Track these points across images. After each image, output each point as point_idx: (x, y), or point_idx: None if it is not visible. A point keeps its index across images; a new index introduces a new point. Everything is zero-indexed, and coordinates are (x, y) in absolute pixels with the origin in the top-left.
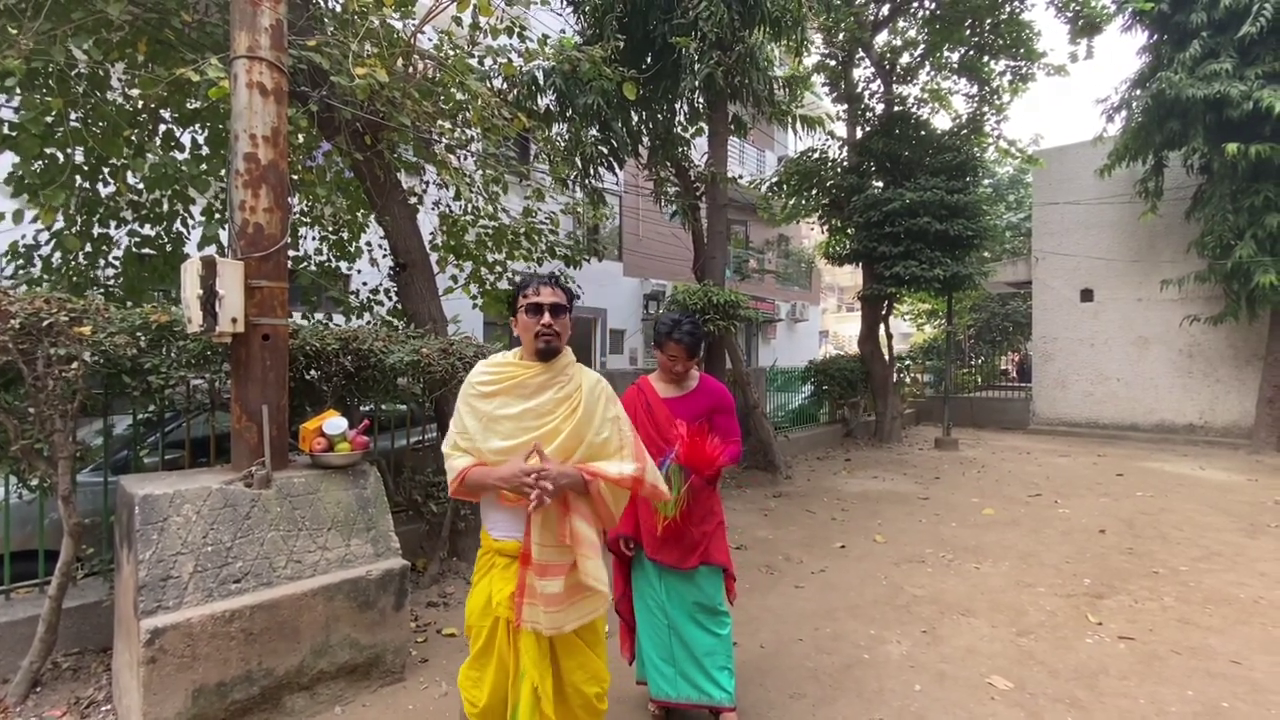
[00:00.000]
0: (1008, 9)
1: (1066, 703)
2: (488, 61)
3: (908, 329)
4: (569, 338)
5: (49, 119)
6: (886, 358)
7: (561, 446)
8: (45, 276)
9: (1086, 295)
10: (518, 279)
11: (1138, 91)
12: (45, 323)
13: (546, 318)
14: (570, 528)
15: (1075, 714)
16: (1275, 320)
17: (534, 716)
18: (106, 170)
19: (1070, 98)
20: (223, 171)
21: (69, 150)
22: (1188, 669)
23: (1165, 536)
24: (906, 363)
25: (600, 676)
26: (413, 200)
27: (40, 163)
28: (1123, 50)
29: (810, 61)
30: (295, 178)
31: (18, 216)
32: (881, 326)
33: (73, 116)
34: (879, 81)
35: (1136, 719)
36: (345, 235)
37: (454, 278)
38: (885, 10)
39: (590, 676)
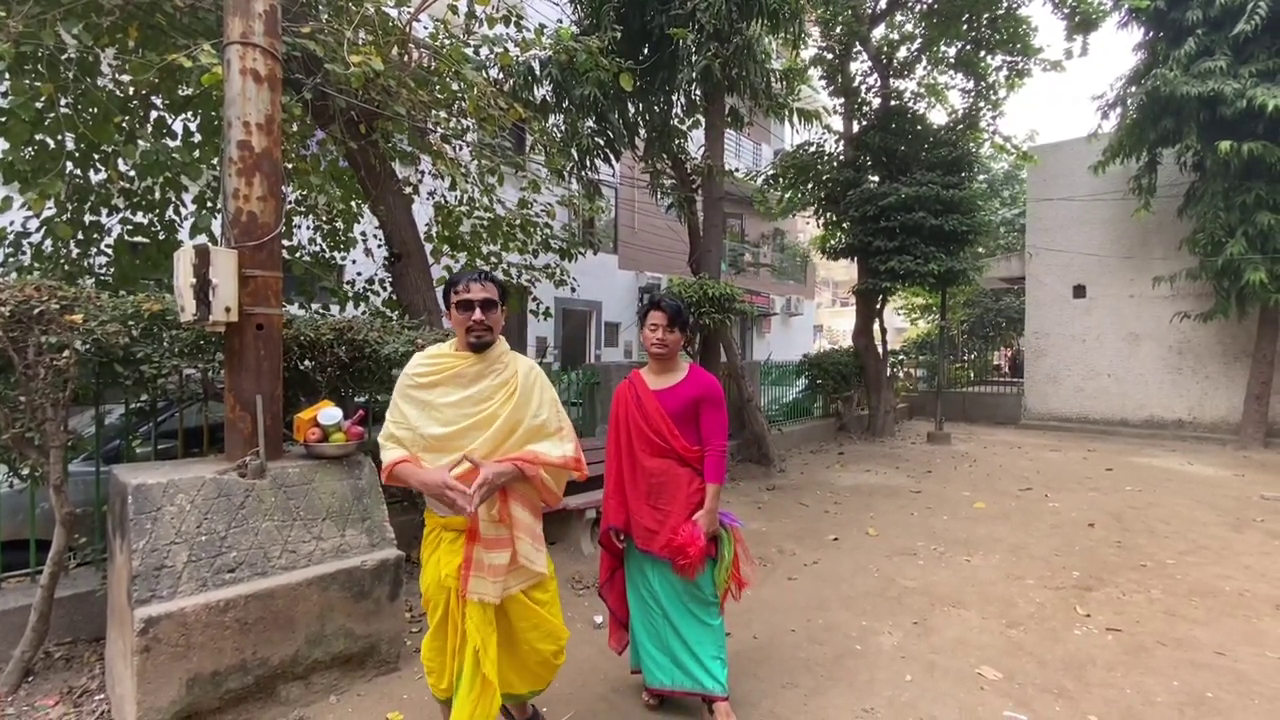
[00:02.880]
0: (1005, 4)
1: (1055, 693)
2: (484, 51)
3: (902, 324)
4: (502, 327)
5: (39, 105)
6: (880, 352)
7: (500, 430)
8: (36, 265)
9: (1079, 291)
10: (513, 270)
11: (1133, 88)
12: (36, 310)
13: (477, 314)
14: (508, 512)
15: (1063, 704)
16: (1264, 318)
17: (475, 678)
18: (97, 157)
19: (1066, 93)
20: (215, 160)
21: (60, 137)
22: (1173, 660)
23: (1153, 530)
24: (900, 357)
25: (557, 635)
26: (408, 190)
27: (30, 149)
28: (1119, 47)
29: (807, 55)
30: (289, 166)
31: (6, 203)
32: (876, 321)
33: (63, 102)
34: (876, 75)
35: (1123, 709)
36: (340, 225)
37: (449, 268)
38: (883, 4)
39: (546, 635)
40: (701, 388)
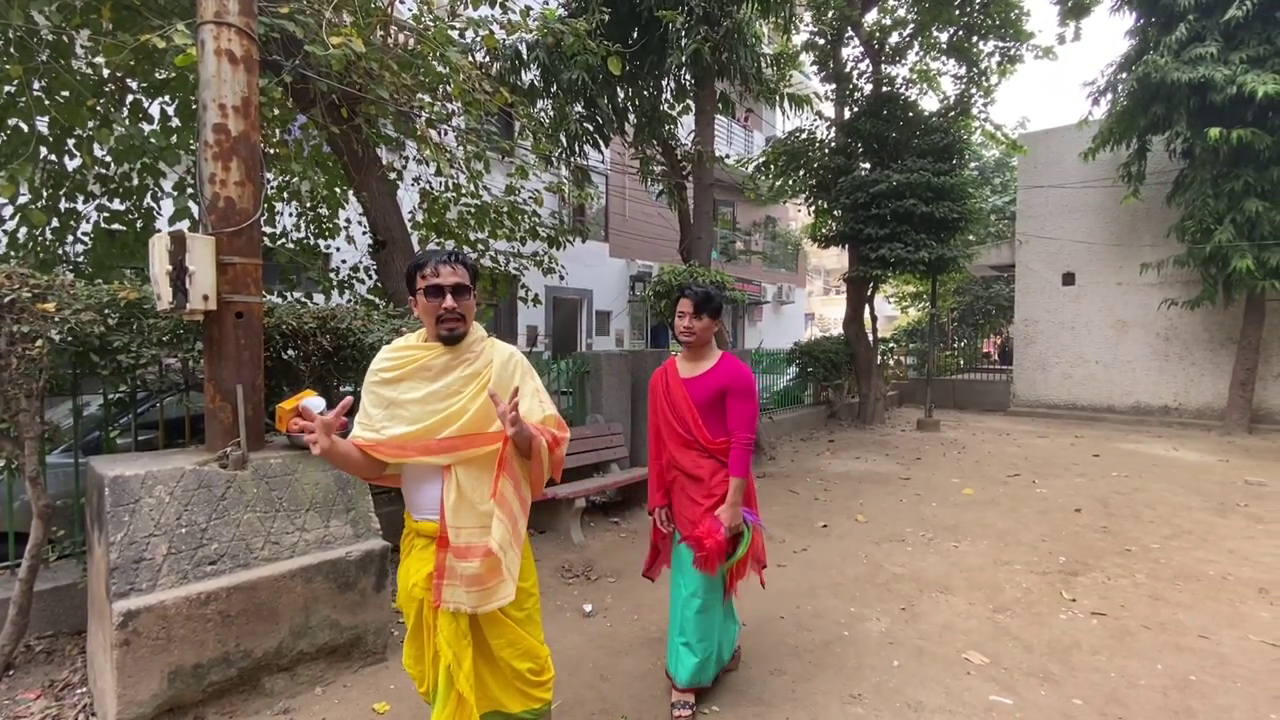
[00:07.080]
0: None
1: (1040, 676)
2: (469, 33)
3: (892, 312)
4: (475, 312)
5: (10, 88)
6: (871, 340)
7: (469, 425)
8: (11, 253)
9: (1068, 279)
10: (501, 258)
11: (1124, 75)
12: (7, 299)
13: (449, 300)
14: (498, 489)
15: (1049, 688)
16: (1250, 304)
17: (450, 695)
18: (72, 142)
19: (1057, 79)
20: (193, 144)
21: (32, 121)
22: (1157, 643)
23: (1138, 515)
24: (890, 345)
25: (534, 653)
26: (392, 176)
27: (2, 134)
28: (1111, 34)
29: (799, 39)
30: (270, 151)
31: None
32: (866, 309)
33: (35, 85)
34: (867, 61)
35: (1107, 692)
36: (324, 211)
37: None
38: None
39: (521, 653)
40: (730, 376)
